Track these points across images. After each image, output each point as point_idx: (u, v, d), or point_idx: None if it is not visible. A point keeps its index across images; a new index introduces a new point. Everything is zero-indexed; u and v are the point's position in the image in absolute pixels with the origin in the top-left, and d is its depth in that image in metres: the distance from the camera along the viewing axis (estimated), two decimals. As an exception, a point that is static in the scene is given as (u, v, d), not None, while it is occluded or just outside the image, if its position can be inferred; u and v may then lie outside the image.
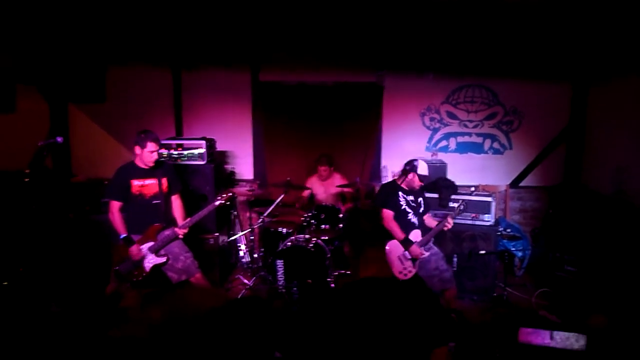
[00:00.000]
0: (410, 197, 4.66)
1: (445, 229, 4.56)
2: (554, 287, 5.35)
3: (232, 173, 6.56)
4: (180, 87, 6.57)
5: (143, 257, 4.16)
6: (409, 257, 4.54)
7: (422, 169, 4.54)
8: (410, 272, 4.55)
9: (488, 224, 5.31)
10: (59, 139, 4.17)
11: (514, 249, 5.82)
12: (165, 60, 6.50)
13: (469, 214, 5.26)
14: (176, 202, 4.49)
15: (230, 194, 4.52)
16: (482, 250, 5.15)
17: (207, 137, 5.63)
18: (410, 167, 4.57)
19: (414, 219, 4.66)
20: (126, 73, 6.52)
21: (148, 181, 4.26)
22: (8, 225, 5.05)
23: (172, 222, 4.39)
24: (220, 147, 6.13)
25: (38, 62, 6.17)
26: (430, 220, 4.79)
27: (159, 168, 4.34)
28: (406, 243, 4.51)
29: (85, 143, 6.65)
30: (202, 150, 5.38)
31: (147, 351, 3.21)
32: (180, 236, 4.30)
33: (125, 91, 6.55)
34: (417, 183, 4.59)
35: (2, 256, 4.82)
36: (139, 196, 4.23)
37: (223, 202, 4.43)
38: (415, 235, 4.60)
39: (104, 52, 6.41)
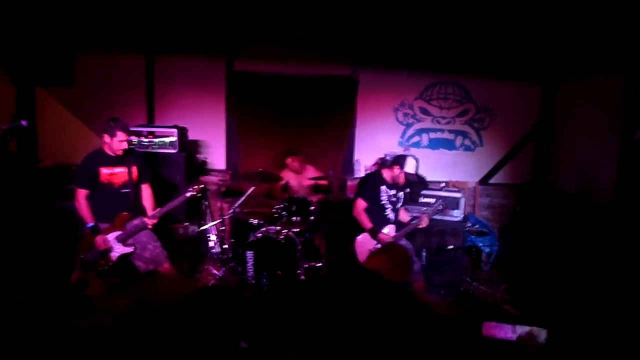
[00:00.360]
0: (393, 191, 4.69)
1: (421, 227, 4.63)
2: (519, 282, 5.49)
3: (204, 162, 6.49)
4: (152, 73, 6.46)
5: (110, 247, 4.08)
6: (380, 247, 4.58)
7: (410, 166, 4.58)
8: None
9: (457, 219, 5.41)
10: (24, 123, 4.04)
11: (481, 244, 5.94)
12: (138, 46, 6.36)
13: (439, 209, 5.33)
14: (146, 191, 4.41)
15: (202, 185, 4.47)
16: (451, 245, 5.25)
17: (179, 125, 5.57)
18: (398, 161, 4.60)
19: (391, 215, 4.70)
20: (97, 57, 6.36)
21: (117, 169, 4.17)
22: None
23: (141, 211, 4.32)
24: (192, 136, 6.05)
25: (5, 44, 5.97)
26: (403, 215, 4.85)
27: (129, 156, 4.25)
28: (374, 232, 4.54)
29: (53, 128, 6.47)
30: (174, 139, 5.32)
31: (114, 340, 3.17)
32: (150, 226, 4.24)
33: (96, 76, 6.40)
34: (401, 179, 4.63)
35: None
36: (107, 184, 4.14)
37: (194, 193, 4.39)
38: (390, 230, 4.65)
39: (74, 35, 6.24)
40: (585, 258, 4.96)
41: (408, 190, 4.92)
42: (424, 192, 5.46)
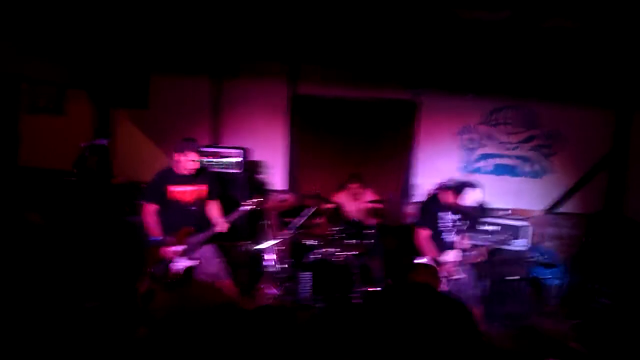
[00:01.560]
0: (454, 216, 4.55)
1: (479, 260, 4.49)
2: (588, 318, 5.17)
3: (265, 183, 6.65)
4: (219, 96, 6.74)
5: (174, 261, 4.24)
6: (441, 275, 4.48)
7: (470, 196, 4.41)
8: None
9: (522, 249, 5.20)
10: (104, 141, 4.34)
11: (548, 276, 5.66)
12: (206, 70, 6.69)
13: (503, 237, 5.15)
14: (214, 206, 4.57)
15: (261, 199, 4.57)
16: (515, 275, 5.04)
17: (242, 146, 5.76)
18: (456, 187, 4.46)
19: (450, 239, 4.58)
20: (169, 81, 6.74)
21: (186, 187, 4.35)
22: (53, 222, 5.28)
23: (205, 227, 4.47)
24: (254, 157, 6.24)
25: (88, 69, 6.47)
26: (464, 241, 4.71)
27: (200, 175, 4.43)
28: (437, 261, 4.45)
29: (127, 147, 6.89)
30: (239, 159, 5.50)
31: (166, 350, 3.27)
32: (219, 229, 4.36)
33: (167, 98, 6.77)
34: (460, 206, 4.49)
35: (45, 251, 5.04)
36: (175, 201, 4.33)
37: (253, 207, 4.50)
38: (448, 256, 4.53)
39: (148, 60, 6.66)
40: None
41: (468, 218, 4.78)
42: (486, 219, 5.30)
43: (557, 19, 4.56)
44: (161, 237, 4.24)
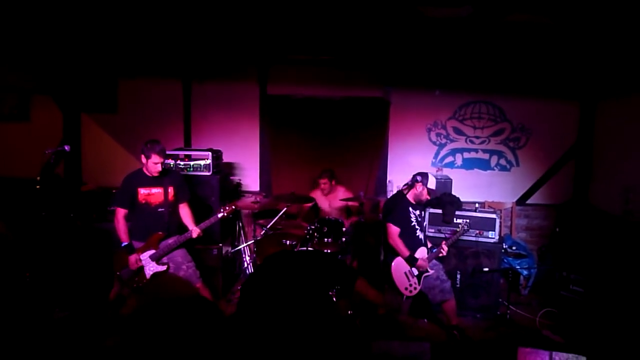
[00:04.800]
0: (417, 212, 4.68)
1: (440, 255, 4.62)
2: (560, 307, 5.28)
3: (239, 185, 6.62)
4: (190, 99, 6.68)
5: (142, 266, 4.21)
6: (416, 273, 4.55)
7: (432, 182, 4.56)
8: (415, 288, 4.57)
9: (492, 241, 5.27)
10: (67, 148, 4.27)
11: (519, 267, 5.76)
12: (176, 73, 6.62)
13: (473, 230, 5.22)
14: (185, 210, 4.55)
15: (234, 207, 4.57)
16: (486, 267, 5.11)
17: (214, 148, 5.72)
18: (420, 179, 4.58)
19: (421, 235, 4.67)
20: (137, 84, 6.66)
21: (154, 190, 4.33)
22: (18, 231, 5.16)
23: (176, 231, 4.45)
24: (227, 158, 6.20)
25: (53, 73, 6.35)
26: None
27: (166, 177, 4.40)
28: (411, 260, 4.52)
29: (96, 152, 6.77)
30: (208, 162, 5.45)
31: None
32: (195, 237, 4.36)
33: (136, 102, 6.68)
34: (425, 196, 4.61)
35: (11, 261, 4.93)
36: (144, 204, 4.30)
37: (225, 214, 4.49)
38: (422, 252, 4.61)
39: (116, 64, 6.57)
40: (629, 281, 4.74)
41: (430, 210, 4.89)
42: (458, 213, 5.36)
43: (518, 14, 4.65)
44: (128, 242, 4.19)
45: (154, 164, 4.21)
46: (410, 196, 4.67)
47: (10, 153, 6.45)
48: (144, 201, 4.31)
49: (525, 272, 5.82)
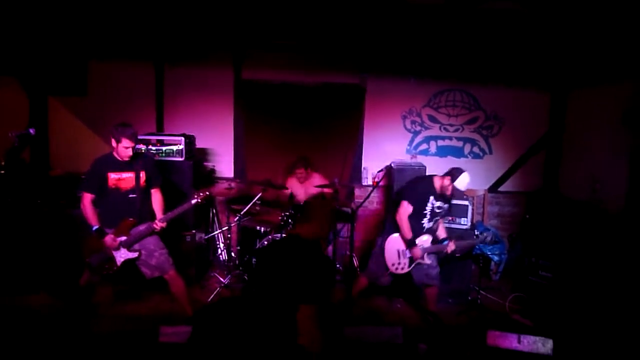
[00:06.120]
0: (439, 203, 4.57)
1: (447, 251, 4.58)
2: (528, 292, 5.42)
3: (212, 171, 6.53)
4: (162, 82, 6.53)
5: (116, 250, 4.10)
6: (408, 255, 4.55)
7: (462, 183, 4.44)
8: (403, 269, 4.58)
9: (464, 227, 5.36)
10: (32, 131, 4.12)
11: (490, 253, 5.87)
12: (148, 56, 6.45)
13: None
14: (156, 196, 4.40)
15: (208, 193, 4.46)
16: (458, 253, 5.19)
17: (187, 133, 5.62)
18: (453, 174, 4.46)
19: (427, 225, 4.62)
20: (108, 67, 6.46)
21: (125, 174, 4.17)
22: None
23: (148, 217, 4.33)
24: (201, 144, 6.11)
25: (18, 54, 6.10)
26: (441, 230, 4.80)
27: (138, 161, 4.25)
28: (411, 244, 4.49)
29: (64, 137, 6.57)
30: (181, 147, 5.36)
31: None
32: (158, 229, 4.23)
33: (107, 85, 6.49)
34: (448, 192, 4.49)
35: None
36: (115, 189, 4.14)
37: (199, 201, 4.39)
38: (425, 240, 4.59)
39: (86, 45, 6.35)
40: (595, 267, 4.88)
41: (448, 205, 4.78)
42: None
43: (492, 1, 4.68)
44: (98, 226, 4.06)
45: (124, 149, 4.07)
46: (437, 184, 4.56)
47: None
48: (114, 186, 4.14)
49: (496, 258, 5.94)
